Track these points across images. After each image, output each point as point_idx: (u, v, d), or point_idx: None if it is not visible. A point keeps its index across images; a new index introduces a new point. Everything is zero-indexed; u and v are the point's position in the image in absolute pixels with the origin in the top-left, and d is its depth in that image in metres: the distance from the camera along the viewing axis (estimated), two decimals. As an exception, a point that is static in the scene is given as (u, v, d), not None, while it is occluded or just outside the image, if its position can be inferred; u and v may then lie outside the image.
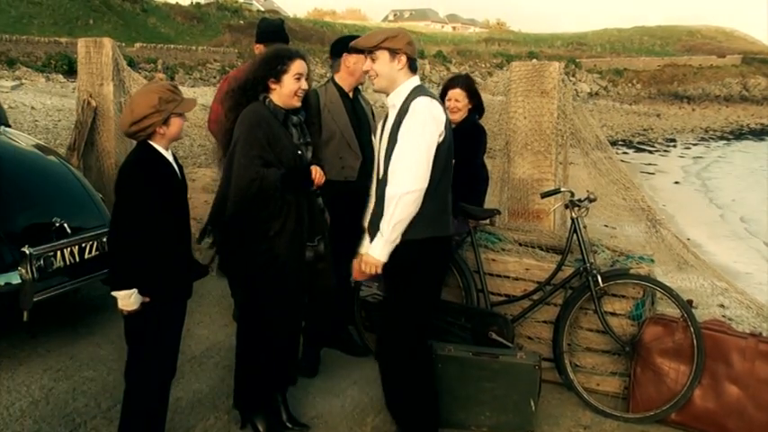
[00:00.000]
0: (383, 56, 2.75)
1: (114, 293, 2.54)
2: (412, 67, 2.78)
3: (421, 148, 2.62)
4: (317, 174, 2.92)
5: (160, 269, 2.56)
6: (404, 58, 2.74)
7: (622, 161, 4.60)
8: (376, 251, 2.69)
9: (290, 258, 2.87)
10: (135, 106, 2.52)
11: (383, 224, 2.66)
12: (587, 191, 3.63)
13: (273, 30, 4.01)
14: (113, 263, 2.61)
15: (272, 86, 2.92)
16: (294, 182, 2.86)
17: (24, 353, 3.90)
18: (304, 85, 2.95)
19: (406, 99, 2.72)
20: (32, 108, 17.36)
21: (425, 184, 2.62)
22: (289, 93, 2.92)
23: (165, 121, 2.52)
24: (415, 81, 2.79)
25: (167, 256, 2.57)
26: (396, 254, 2.71)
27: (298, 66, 2.92)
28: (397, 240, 2.68)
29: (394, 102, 2.77)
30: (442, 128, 2.68)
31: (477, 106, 4.12)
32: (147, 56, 31.84)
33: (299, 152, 2.95)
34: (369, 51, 2.79)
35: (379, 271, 2.71)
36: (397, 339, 2.84)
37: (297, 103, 2.95)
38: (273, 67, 2.92)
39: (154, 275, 2.54)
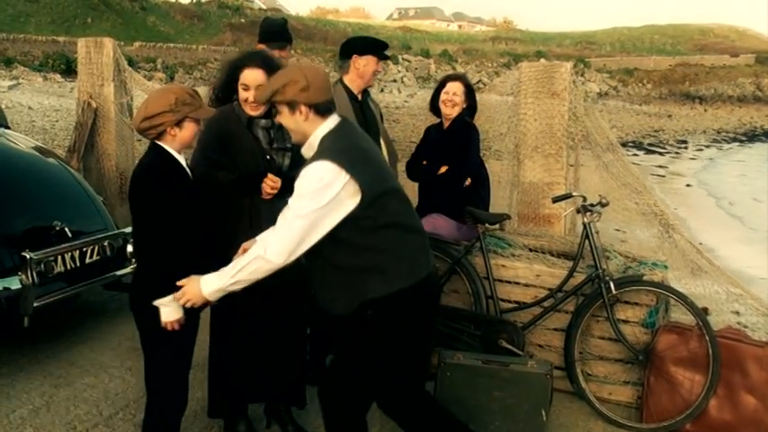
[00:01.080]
0: (283, 110, 2.44)
1: (157, 303, 2.46)
2: (320, 112, 2.43)
3: (296, 223, 2.32)
4: (268, 183, 2.86)
5: (178, 273, 2.56)
6: (304, 108, 2.40)
7: (632, 163, 4.60)
8: (208, 288, 2.38)
9: None
10: (150, 102, 2.54)
11: (229, 270, 2.38)
12: (599, 195, 3.63)
13: (276, 30, 4.01)
14: (143, 273, 2.60)
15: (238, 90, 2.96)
16: (245, 187, 2.87)
17: (24, 359, 3.91)
18: (252, 97, 2.89)
19: (314, 155, 2.41)
20: (29, 108, 17.43)
21: (287, 261, 2.34)
22: (241, 100, 2.94)
23: (179, 124, 2.53)
24: (324, 128, 2.43)
25: (185, 259, 2.55)
26: (360, 318, 2.44)
27: (245, 76, 2.91)
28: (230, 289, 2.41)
29: (306, 156, 2.48)
30: (344, 188, 2.32)
31: (469, 107, 4.08)
32: (147, 55, 31.95)
33: (268, 157, 2.94)
34: (270, 104, 2.51)
35: (196, 304, 2.43)
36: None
37: (251, 112, 2.93)
38: (230, 75, 2.96)
39: (174, 280, 2.55)
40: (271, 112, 2.94)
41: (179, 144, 2.57)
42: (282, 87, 2.40)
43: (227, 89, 2.99)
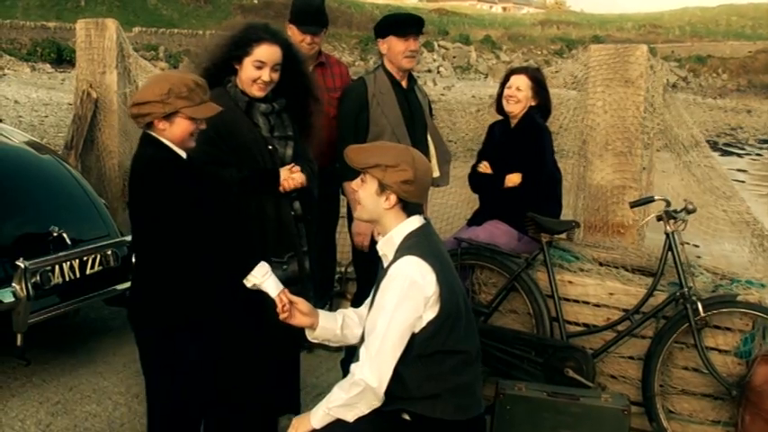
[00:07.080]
0: (371, 184, 2.45)
1: (252, 282, 2.53)
2: (407, 210, 2.49)
3: (390, 333, 2.35)
4: (287, 177, 2.87)
5: (183, 282, 2.56)
6: (393, 198, 2.44)
7: (707, 166, 4.53)
8: (315, 419, 2.44)
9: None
10: (144, 88, 2.59)
11: (337, 396, 2.41)
12: (684, 200, 3.57)
13: (312, 11, 3.95)
14: (143, 282, 2.62)
15: (237, 67, 2.95)
16: (255, 186, 2.88)
17: (18, 383, 3.96)
18: (266, 76, 2.90)
19: (396, 253, 2.46)
20: (16, 102, 17.81)
21: (386, 383, 2.37)
22: (246, 79, 2.93)
23: (169, 118, 2.51)
24: (409, 225, 2.48)
25: (190, 267, 2.56)
26: (394, 415, 2.44)
27: (262, 53, 2.89)
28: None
29: (384, 251, 2.53)
30: (431, 295, 2.38)
31: (540, 106, 4.04)
32: (148, 42, 32.48)
33: (270, 147, 2.96)
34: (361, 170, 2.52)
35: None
36: None
37: (257, 93, 2.94)
38: (237, 48, 2.94)
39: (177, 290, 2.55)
40: (269, 96, 2.95)
41: (168, 140, 2.56)
42: (391, 166, 2.42)
43: (225, 67, 2.96)
